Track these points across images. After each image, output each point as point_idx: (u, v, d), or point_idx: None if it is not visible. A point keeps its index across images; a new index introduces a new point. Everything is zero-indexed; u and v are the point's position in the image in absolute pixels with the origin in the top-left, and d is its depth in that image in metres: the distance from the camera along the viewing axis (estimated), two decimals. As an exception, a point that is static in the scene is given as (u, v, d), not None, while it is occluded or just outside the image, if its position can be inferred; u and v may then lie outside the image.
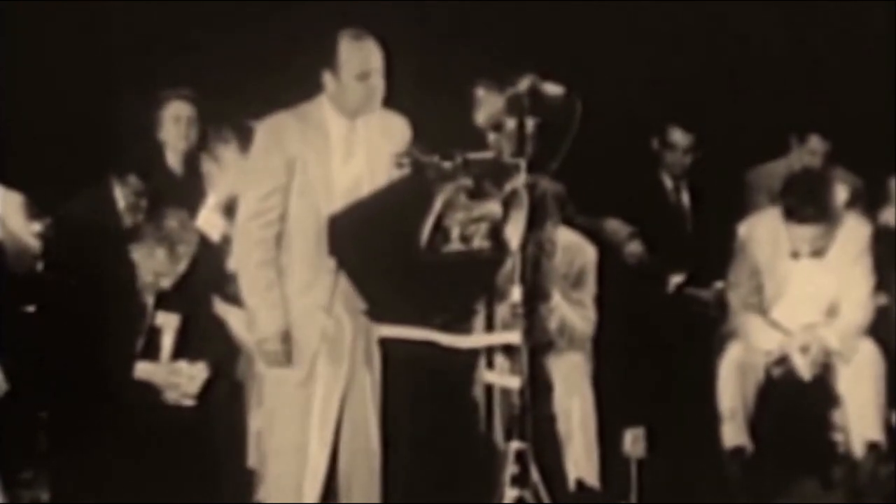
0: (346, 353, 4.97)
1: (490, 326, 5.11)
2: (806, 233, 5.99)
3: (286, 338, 4.94)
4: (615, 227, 7.09)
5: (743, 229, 6.25)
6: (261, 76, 6.80)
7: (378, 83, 4.96)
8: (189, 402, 5.66)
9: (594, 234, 6.47)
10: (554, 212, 6.08)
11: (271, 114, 5.05)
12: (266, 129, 5.02)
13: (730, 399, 6.05)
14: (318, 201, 4.91)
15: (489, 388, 5.43)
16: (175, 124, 6.47)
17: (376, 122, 5.02)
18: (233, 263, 5.34)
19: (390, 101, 5.05)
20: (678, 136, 7.28)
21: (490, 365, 5.08)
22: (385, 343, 5.00)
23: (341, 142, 4.98)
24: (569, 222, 6.27)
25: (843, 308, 6.08)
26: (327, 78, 4.96)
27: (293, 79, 5.27)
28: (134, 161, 6.24)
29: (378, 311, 4.87)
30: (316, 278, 4.92)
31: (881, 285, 6.22)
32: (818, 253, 6.04)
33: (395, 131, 5.03)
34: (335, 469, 5.02)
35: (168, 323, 5.68)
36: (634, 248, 7.05)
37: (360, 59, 4.92)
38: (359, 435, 5.04)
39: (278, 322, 4.93)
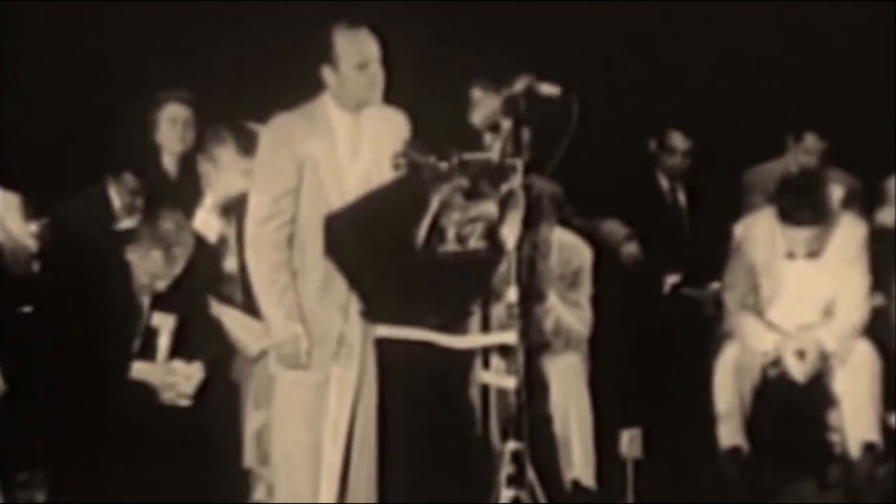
0: (357, 353, 4.98)
1: (486, 327, 5.10)
2: (801, 235, 5.99)
3: (303, 340, 4.93)
4: (612, 228, 7.09)
5: (739, 229, 6.26)
6: (258, 77, 6.81)
7: (377, 72, 4.94)
8: (185, 403, 5.65)
9: (591, 235, 6.47)
10: (550, 212, 6.09)
11: (269, 115, 5.04)
12: (273, 131, 5.00)
13: (726, 399, 6.05)
14: (330, 200, 4.89)
15: (485, 389, 5.43)
16: (171, 126, 6.47)
17: (378, 117, 5.01)
18: (244, 261, 5.30)
19: (387, 101, 5.05)
20: (677, 140, 7.29)
21: (486, 365, 5.08)
22: (381, 343, 5.00)
23: (348, 139, 4.97)
24: (565, 223, 6.28)
25: (839, 308, 6.08)
26: (327, 73, 4.95)
27: (291, 79, 5.27)
28: (130, 162, 6.24)
29: (374, 312, 4.87)
30: (332, 279, 4.91)
31: (878, 285, 6.22)
32: (814, 254, 6.04)
33: (396, 126, 5.02)
34: (347, 469, 5.03)
35: (164, 324, 5.68)
36: (631, 249, 7.06)
37: (356, 48, 4.90)
38: (369, 436, 5.05)
39: (295, 325, 4.92)
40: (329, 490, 4.96)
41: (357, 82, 4.92)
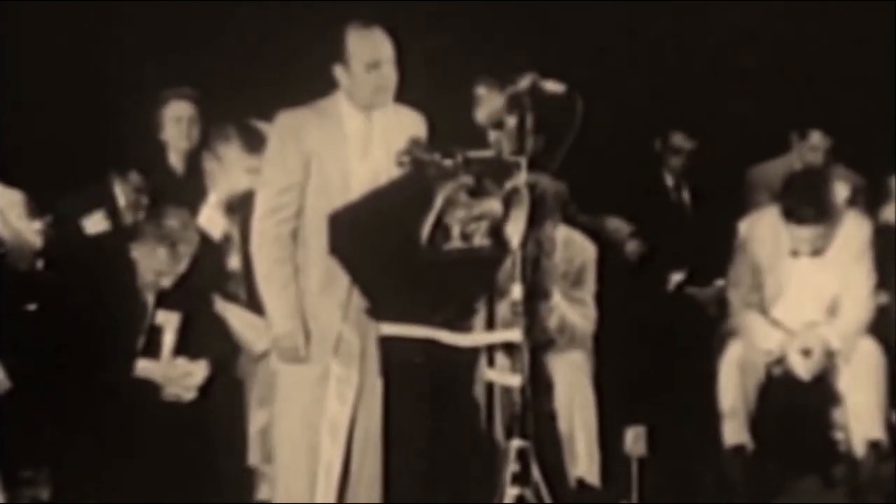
0: (357, 351, 4.97)
1: (491, 325, 5.10)
2: (805, 233, 5.98)
3: (302, 334, 4.93)
4: (616, 225, 7.09)
5: (743, 227, 6.25)
6: (269, 75, 6.80)
7: (389, 73, 4.93)
8: (190, 396, 5.65)
9: (595, 233, 6.47)
10: (554, 210, 6.08)
11: (274, 112, 5.04)
12: (283, 124, 4.99)
13: (731, 397, 6.04)
14: (335, 198, 4.88)
15: (490, 387, 5.43)
16: (176, 124, 6.46)
17: (392, 116, 5.01)
18: (248, 259, 5.31)
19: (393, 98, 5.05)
20: (681, 140, 7.28)
21: (491, 363, 5.08)
22: (385, 341, 4.99)
23: (358, 137, 4.97)
24: (570, 220, 6.28)
25: (843, 306, 6.07)
26: (339, 72, 4.94)
27: (301, 77, 5.27)
28: (135, 159, 6.25)
29: (379, 309, 4.87)
30: (334, 275, 4.91)
31: (882, 283, 6.21)
32: (818, 252, 6.03)
33: (410, 126, 5.01)
34: (348, 471, 5.02)
35: (169, 321, 5.68)
36: (635, 246, 7.06)
37: (368, 48, 4.90)
38: (371, 440, 5.04)
39: (294, 318, 4.93)
40: (326, 489, 4.95)
41: (368, 82, 4.91)
